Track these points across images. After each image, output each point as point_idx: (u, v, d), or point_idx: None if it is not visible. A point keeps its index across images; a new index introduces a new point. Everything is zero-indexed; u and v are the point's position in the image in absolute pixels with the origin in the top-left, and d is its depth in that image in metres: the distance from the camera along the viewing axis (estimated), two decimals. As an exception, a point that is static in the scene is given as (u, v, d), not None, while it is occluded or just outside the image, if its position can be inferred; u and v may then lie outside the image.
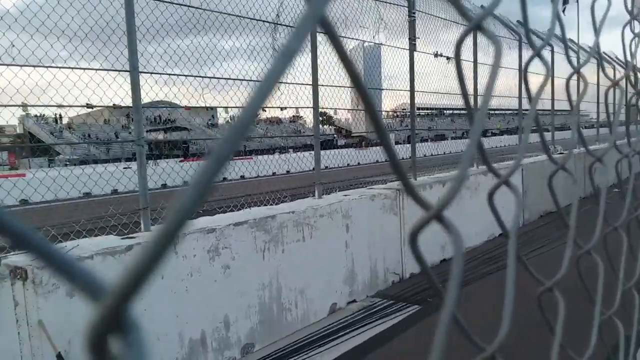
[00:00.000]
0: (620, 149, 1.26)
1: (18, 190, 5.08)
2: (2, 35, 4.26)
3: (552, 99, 11.77)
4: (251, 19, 6.07)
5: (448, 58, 8.28)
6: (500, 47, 0.61)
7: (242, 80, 6.10)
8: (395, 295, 5.46)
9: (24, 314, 2.92)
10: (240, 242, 4.22)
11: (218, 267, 4.05)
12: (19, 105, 5.13)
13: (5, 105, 4.53)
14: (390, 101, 10.72)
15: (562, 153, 10.36)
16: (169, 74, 5.31)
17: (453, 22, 8.69)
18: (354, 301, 5.33)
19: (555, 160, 1.20)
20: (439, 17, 8.39)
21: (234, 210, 5.02)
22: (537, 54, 0.86)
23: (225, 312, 4.08)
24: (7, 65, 4.27)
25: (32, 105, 5.74)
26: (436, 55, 8.28)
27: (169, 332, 3.69)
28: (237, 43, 6.69)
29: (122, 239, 3.74)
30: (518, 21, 12.26)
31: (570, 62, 1.21)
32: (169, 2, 5.05)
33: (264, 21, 6.21)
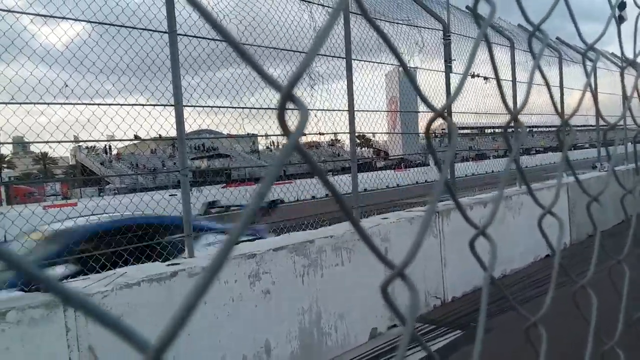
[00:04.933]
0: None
1: (72, 221, 5.37)
2: (56, 76, 4.60)
3: (597, 114, 11.39)
4: (287, 50, 6.28)
5: (485, 78, 8.22)
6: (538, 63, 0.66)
7: (275, 109, 6.27)
8: (436, 320, 5.37)
9: (75, 339, 3.08)
10: (279, 267, 4.30)
11: (259, 292, 4.13)
12: (71, 141, 5.48)
13: (60, 142, 4.84)
14: (426, 121, 10.70)
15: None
16: (211, 107, 5.54)
17: (491, 42, 8.65)
18: (395, 326, 5.28)
19: (583, 188, 1.22)
20: (474, 38, 8.38)
21: (274, 235, 5.12)
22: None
23: (266, 336, 4.14)
24: (61, 103, 4.59)
25: (84, 141, 6.10)
26: (473, 76, 8.24)
27: (212, 357, 3.77)
28: (275, 72, 6.92)
29: (167, 265, 3.89)
30: (557, 38, 12.05)
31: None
32: (210, 39, 5.31)
33: (299, 52, 6.40)
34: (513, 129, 1.15)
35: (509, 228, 6.72)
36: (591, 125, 12.19)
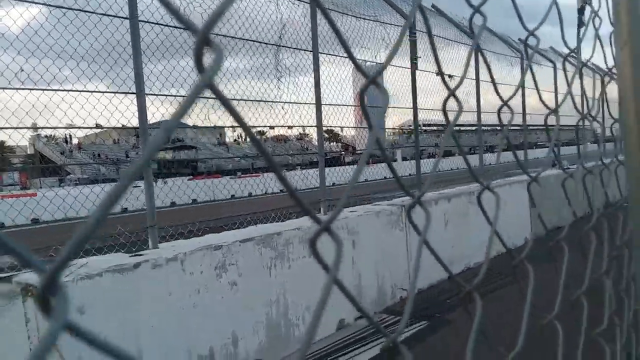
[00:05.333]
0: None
1: (29, 210, 5.18)
2: (11, 60, 4.40)
3: (556, 104, 11.78)
4: (254, 41, 6.21)
5: (450, 76, 8.37)
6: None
7: (245, 100, 6.22)
8: (402, 311, 5.45)
9: (35, 329, 2.97)
10: (246, 259, 4.27)
11: (225, 283, 4.10)
12: (28, 128, 5.27)
13: (16, 128, 4.65)
14: (397, 118, 10.82)
15: (569, 168, 10.36)
16: (174, 96, 5.44)
17: (453, 41, 8.82)
18: (362, 317, 5.34)
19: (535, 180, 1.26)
20: (439, 36, 8.52)
21: (240, 227, 5.08)
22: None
23: (233, 328, 4.11)
24: (17, 88, 4.41)
25: (42, 128, 5.88)
26: (437, 73, 8.38)
27: (178, 348, 3.72)
28: (241, 64, 6.84)
29: (130, 256, 3.80)
30: (519, 39, 12.39)
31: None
32: (173, 27, 5.20)
33: (266, 43, 6.35)
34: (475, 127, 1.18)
35: (472, 222, 6.88)
36: (550, 125, 12.60)
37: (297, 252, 4.70)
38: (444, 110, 0.90)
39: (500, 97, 1.16)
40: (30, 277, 3.17)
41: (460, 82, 0.78)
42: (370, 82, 0.56)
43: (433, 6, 8.46)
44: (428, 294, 5.94)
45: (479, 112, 8.44)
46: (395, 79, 8.21)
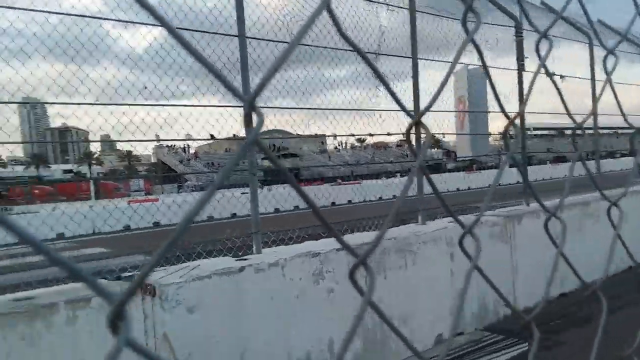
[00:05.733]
0: None
1: (158, 214, 5.73)
2: (136, 78, 4.93)
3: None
4: (353, 50, 6.30)
5: (562, 76, 7.78)
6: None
7: (344, 109, 6.33)
8: (505, 330, 5.16)
9: (151, 326, 3.31)
10: (342, 267, 4.34)
11: (322, 290, 4.20)
12: (152, 140, 5.86)
13: (141, 140, 5.20)
14: (502, 122, 10.31)
15: None
16: (278, 107, 5.70)
17: (565, 39, 8.18)
18: (461, 333, 5.15)
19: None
20: (549, 35, 7.95)
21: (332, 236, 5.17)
22: None
23: (330, 335, 4.20)
24: (141, 105, 4.93)
25: (163, 140, 6.50)
26: (551, 74, 7.82)
27: (277, 352, 3.89)
28: (341, 73, 6.98)
29: (236, 260, 4.06)
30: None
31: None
32: (279, 41, 5.46)
33: (365, 52, 6.41)
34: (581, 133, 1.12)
35: (588, 236, 6.32)
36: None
37: (393, 262, 4.68)
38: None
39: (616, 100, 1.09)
40: (150, 276, 3.53)
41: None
42: (415, 123, 0.59)
43: (542, 3, 7.94)
44: (535, 311, 5.56)
45: (595, 114, 7.73)
46: (502, 82, 7.82)
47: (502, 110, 0.86)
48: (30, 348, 2.80)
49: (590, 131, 8.29)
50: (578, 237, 6.28)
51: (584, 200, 6.72)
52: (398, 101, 0.62)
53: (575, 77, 8.51)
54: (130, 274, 3.68)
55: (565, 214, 6.42)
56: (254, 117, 0.39)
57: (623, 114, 1.37)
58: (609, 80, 1.16)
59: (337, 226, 4.82)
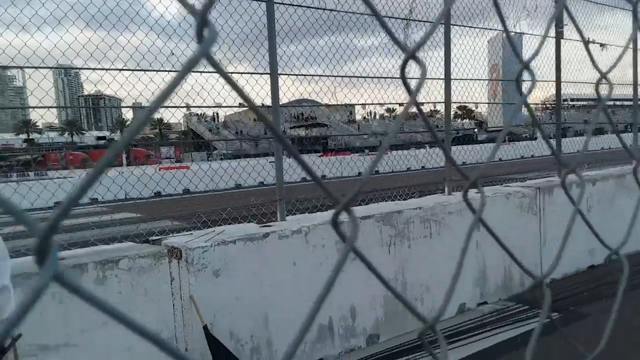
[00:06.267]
0: None
1: (185, 181, 5.82)
2: (163, 45, 4.93)
3: None
4: (384, 17, 6.13)
5: (602, 45, 7.41)
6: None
7: (373, 77, 6.22)
8: (531, 300, 5.12)
9: (178, 288, 3.41)
10: (367, 236, 4.35)
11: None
12: (182, 107, 5.91)
13: (171, 107, 5.24)
14: (540, 93, 9.98)
15: None
16: (304, 75, 5.64)
17: (607, 5, 7.73)
18: (485, 303, 5.13)
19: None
20: (592, 1, 7.54)
21: (363, 205, 5.17)
22: None
23: (352, 302, 4.25)
24: (169, 71, 4.95)
25: (193, 107, 6.55)
26: (588, 42, 7.45)
27: (300, 315, 3.96)
28: (370, 41, 6.83)
29: (260, 227, 4.12)
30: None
31: None
32: (306, 7, 5.36)
33: (396, 18, 6.23)
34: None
35: (618, 209, 6.13)
36: None
37: (417, 231, 4.66)
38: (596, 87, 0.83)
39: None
40: (176, 240, 3.63)
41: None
42: (410, 56, 0.55)
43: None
44: (562, 284, 5.48)
45: (635, 85, 7.36)
46: (541, 50, 7.51)
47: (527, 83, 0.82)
48: (60, 306, 2.93)
49: (630, 102, 7.92)
50: (610, 209, 6.10)
51: (620, 172, 6.49)
52: (391, 34, 0.59)
53: (618, 46, 8.08)
54: (157, 237, 3.78)
55: (599, 186, 6.23)
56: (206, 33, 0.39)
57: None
58: None
59: (362, 196, 4.80)
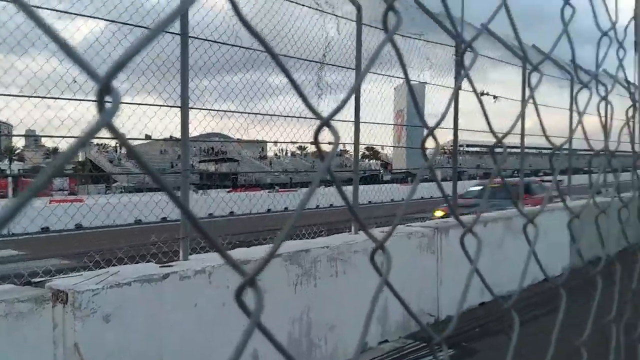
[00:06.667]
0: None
1: (78, 215, 5.37)
2: (65, 71, 4.63)
3: (606, 139, 11.25)
4: (299, 58, 6.30)
5: (495, 97, 8.20)
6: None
7: (286, 116, 6.30)
8: (428, 338, 5.30)
9: (61, 335, 3.08)
10: (273, 275, 4.28)
11: (251, 298, 4.10)
12: (77, 137, 5.50)
13: (65, 137, 4.87)
14: (439, 138, 10.68)
15: (617, 196, 9.86)
16: (217, 110, 5.58)
17: (501, 61, 8.63)
18: (386, 341, 5.23)
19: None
20: (487, 56, 8.38)
21: (271, 242, 5.11)
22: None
23: (255, 345, 4.10)
24: (68, 99, 4.63)
25: (96, 137, 6.14)
26: (482, 94, 8.22)
27: (199, 361, 3.75)
28: (285, 79, 6.93)
29: (160, 267, 3.89)
30: (571, 60, 11.98)
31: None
32: (222, 43, 5.35)
33: (310, 60, 6.43)
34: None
35: (507, 250, 6.66)
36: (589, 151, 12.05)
37: (324, 270, 4.68)
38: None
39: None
40: (62, 282, 3.30)
41: (441, 119, 0.74)
42: (324, 124, 0.56)
43: (483, 25, 8.33)
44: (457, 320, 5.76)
45: (522, 134, 8.20)
46: (439, 98, 8.11)
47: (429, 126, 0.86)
48: None
49: (517, 150, 8.79)
50: (499, 251, 6.59)
51: (509, 214, 7.08)
52: (307, 101, 0.59)
53: (510, 99, 8.97)
54: (41, 279, 3.41)
55: (490, 228, 6.73)
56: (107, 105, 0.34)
57: (544, 131, 1.42)
58: (532, 96, 1.20)
59: (270, 233, 4.75)
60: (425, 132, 0.94)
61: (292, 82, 0.57)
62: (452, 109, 7.58)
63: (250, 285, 0.46)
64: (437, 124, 0.77)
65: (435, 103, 8.08)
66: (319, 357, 4.56)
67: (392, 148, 9.62)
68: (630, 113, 1.42)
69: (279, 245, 0.51)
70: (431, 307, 5.75)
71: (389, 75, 7.49)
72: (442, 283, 5.82)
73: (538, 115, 1.52)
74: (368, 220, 6.51)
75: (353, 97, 6.20)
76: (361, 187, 5.94)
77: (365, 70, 0.57)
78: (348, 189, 9.12)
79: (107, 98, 0.35)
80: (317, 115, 0.56)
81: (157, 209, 5.62)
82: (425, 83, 7.97)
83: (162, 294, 3.60)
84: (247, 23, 0.50)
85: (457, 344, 5.01)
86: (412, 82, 7.93)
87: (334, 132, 0.54)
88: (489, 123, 1.20)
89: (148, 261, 4.18)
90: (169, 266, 3.90)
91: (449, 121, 7.73)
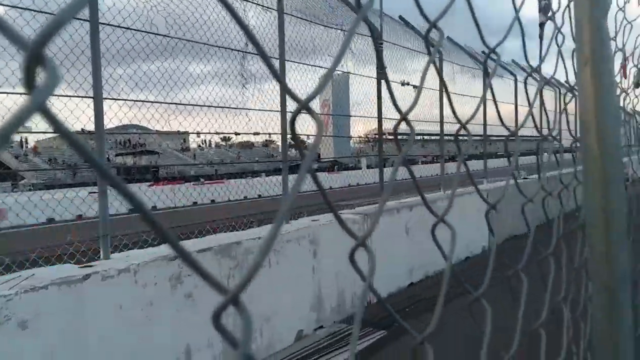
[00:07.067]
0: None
1: None
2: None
3: (516, 125, 12.08)
4: (219, 47, 6.12)
5: (415, 87, 8.49)
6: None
7: (209, 106, 6.12)
8: (363, 320, 5.43)
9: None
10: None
11: (180, 295, 3.97)
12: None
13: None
14: (362, 126, 10.92)
15: (527, 178, 10.65)
16: (133, 100, 5.28)
17: (419, 52, 8.94)
18: (321, 327, 5.29)
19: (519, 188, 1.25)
20: (405, 47, 8.64)
21: (200, 236, 4.96)
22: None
23: (188, 341, 3.99)
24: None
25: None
26: (403, 84, 8.48)
27: (128, 364, 3.57)
28: (206, 68, 6.73)
29: (80, 267, 3.64)
30: (483, 52, 12.70)
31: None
32: (135, 30, 5.06)
33: (232, 49, 6.27)
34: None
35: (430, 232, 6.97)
36: (510, 136, 12.92)
37: (256, 262, 4.62)
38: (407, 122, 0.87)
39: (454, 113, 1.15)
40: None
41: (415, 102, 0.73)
42: (302, 108, 0.52)
43: (400, 17, 8.58)
44: (388, 302, 5.96)
45: (441, 122, 8.58)
46: (361, 88, 8.26)
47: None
48: None
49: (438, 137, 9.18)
50: (426, 232, 6.88)
51: (432, 198, 7.39)
52: (283, 84, 0.55)
53: (430, 89, 9.33)
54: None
55: (415, 211, 7.00)
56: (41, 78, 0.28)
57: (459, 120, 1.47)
58: (444, 85, 1.23)
59: (198, 227, 4.61)
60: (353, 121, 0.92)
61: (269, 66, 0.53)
62: (376, 97, 7.75)
63: (233, 305, 0.39)
64: (410, 109, 0.75)
65: (358, 92, 8.24)
66: (255, 350, 4.52)
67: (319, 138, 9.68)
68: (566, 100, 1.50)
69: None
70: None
71: (313, 65, 7.50)
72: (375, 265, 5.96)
73: (487, 106, 1.57)
74: (299, 210, 6.51)
75: (278, 86, 6.14)
76: (290, 176, 5.92)
77: (339, 56, 0.53)
78: (277, 179, 9.09)
79: (39, 73, 0.28)
80: (295, 99, 0.52)
81: (73, 206, 5.25)
82: (349, 73, 8.08)
83: (83, 297, 3.37)
84: (238, 18, 0.45)
85: (388, 326, 5.18)
86: (336, 72, 8.01)
87: (316, 117, 0.51)
88: (454, 111, 1.21)
89: (65, 262, 3.89)
90: (90, 266, 3.66)
91: (373, 110, 7.91)
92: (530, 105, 1.19)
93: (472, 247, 8.28)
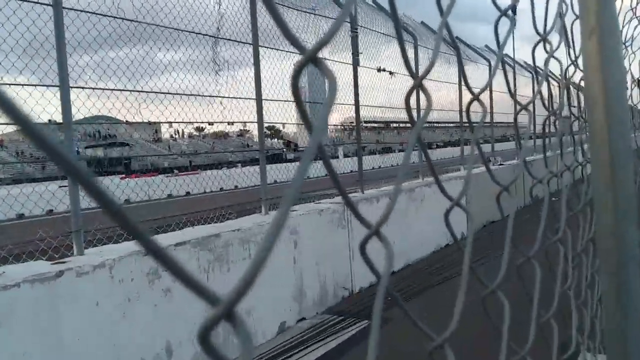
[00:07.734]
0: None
1: None
2: None
3: (491, 112, 12.23)
4: (190, 32, 5.92)
5: (391, 73, 8.43)
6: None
7: (179, 94, 5.93)
8: (345, 311, 5.40)
9: None
10: (182, 263, 4.03)
11: (158, 290, 3.85)
12: None
13: None
14: (338, 114, 10.85)
15: (502, 164, 10.77)
16: (102, 89, 5.07)
17: (394, 37, 8.87)
18: (304, 319, 5.23)
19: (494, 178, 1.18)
20: (380, 32, 8.55)
21: (176, 229, 4.81)
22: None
23: (167, 338, 3.87)
24: None
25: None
26: (379, 70, 8.41)
27: (105, 364, 3.44)
28: (177, 55, 6.52)
29: (52, 264, 3.48)
30: (456, 37, 12.72)
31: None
32: (101, 14, 4.83)
33: (203, 35, 6.07)
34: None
35: (411, 219, 6.96)
36: (486, 122, 13.06)
37: (236, 254, 4.52)
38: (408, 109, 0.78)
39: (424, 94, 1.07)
40: None
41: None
42: (308, 60, 0.42)
43: (374, 2, 8.48)
44: (370, 292, 5.94)
45: (418, 109, 8.55)
46: (337, 76, 8.16)
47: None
48: None
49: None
50: (404, 220, 6.88)
51: (410, 186, 7.38)
52: (288, 32, 0.45)
53: (405, 75, 9.30)
54: None
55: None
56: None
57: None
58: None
59: (174, 220, 4.44)
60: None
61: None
62: (352, 84, 7.66)
63: (226, 319, 0.30)
64: (424, 76, 0.66)
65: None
66: (237, 343, 4.42)
67: (295, 126, 9.56)
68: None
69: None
70: (345, 280, 5.85)
71: (287, 51, 7.35)
72: (354, 257, 5.93)
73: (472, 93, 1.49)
74: (277, 200, 6.41)
75: (252, 73, 5.99)
76: (268, 166, 5.80)
77: (332, 30, 0.43)
78: (254, 169, 8.95)
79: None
80: (300, 49, 0.42)
81: (42, 200, 5.03)
82: (324, 59, 7.96)
83: (57, 294, 3.22)
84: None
85: (370, 316, 5.16)
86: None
87: (325, 69, 0.41)
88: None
89: (37, 259, 3.71)
90: (63, 262, 3.50)
91: (349, 97, 7.82)
92: (539, 84, 1.12)
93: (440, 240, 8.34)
